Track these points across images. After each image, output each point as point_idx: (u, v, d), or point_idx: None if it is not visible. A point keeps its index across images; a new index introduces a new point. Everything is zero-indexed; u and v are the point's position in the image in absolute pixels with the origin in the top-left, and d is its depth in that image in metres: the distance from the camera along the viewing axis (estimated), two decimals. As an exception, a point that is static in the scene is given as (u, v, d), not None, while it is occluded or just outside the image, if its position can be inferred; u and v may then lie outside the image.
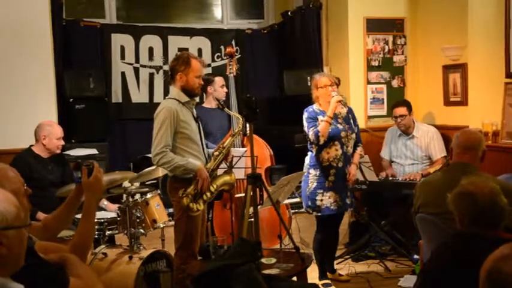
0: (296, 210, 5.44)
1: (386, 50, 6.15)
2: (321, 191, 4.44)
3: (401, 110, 5.43)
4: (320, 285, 4.45)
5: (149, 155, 3.89)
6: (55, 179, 4.53)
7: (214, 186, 3.82)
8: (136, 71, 6.83)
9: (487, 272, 1.58)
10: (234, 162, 4.20)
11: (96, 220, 3.98)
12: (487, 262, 1.60)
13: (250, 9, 7.82)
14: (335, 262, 4.91)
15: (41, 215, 3.99)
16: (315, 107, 4.51)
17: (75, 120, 5.90)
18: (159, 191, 4.56)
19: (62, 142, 4.64)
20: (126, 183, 4.36)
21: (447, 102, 5.76)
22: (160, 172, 4.40)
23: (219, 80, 5.26)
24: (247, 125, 3.96)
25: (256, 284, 2.83)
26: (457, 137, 3.31)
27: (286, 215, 5.06)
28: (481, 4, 5.24)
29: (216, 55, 7.10)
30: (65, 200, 2.70)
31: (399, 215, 5.05)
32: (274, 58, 7.41)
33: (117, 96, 6.75)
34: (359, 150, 4.61)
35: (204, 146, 4.00)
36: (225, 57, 6.10)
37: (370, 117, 6.13)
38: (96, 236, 4.14)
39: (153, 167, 4.17)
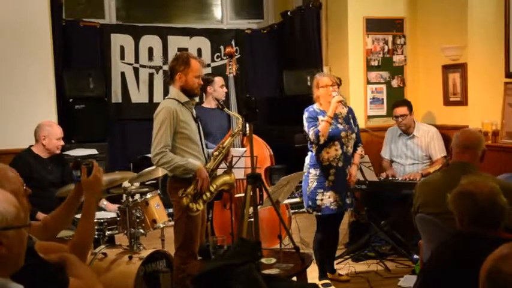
0: (296, 210, 5.44)
1: (386, 50, 6.15)
2: (321, 191, 4.45)
3: (402, 110, 5.43)
4: (320, 285, 4.45)
5: (149, 155, 3.89)
6: (55, 179, 4.53)
7: (214, 186, 3.82)
8: (136, 71, 6.83)
9: (487, 271, 1.58)
10: (233, 162, 4.20)
11: (96, 220, 3.98)
12: (487, 262, 1.60)
13: (250, 9, 7.82)
14: (335, 262, 4.91)
15: (40, 215, 3.99)
16: (316, 106, 4.51)
17: (75, 120, 5.90)
18: (158, 191, 4.56)
19: (62, 142, 4.65)
20: (126, 183, 4.36)
21: (447, 102, 5.77)
22: (160, 172, 4.40)
23: (218, 80, 5.26)
24: (247, 125, 3.96)
25: (256, 284, 2.83)
26: (457, 137, 3.31)
27: (286, 215, 5.07)
28: (481, 4, 5.24)
29: (216, 55, 7.10)
30: (64, 200, 2.70)
31: (399, 215, 5.06)
32: (273, 58, 7.40)
33: (116, 97, 6.75)
34: (359, 150, 4.61)
35: (204, 146, 4.00)
36: (225, 57, 6.09)
37: (369, 117, 6.13)
38: (96, 236, 4.14)
39: (153, 167, 4.17)
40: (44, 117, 4.82)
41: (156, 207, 4.30)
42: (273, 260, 3.85)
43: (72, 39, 6.38)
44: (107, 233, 4.21)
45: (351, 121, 4.60)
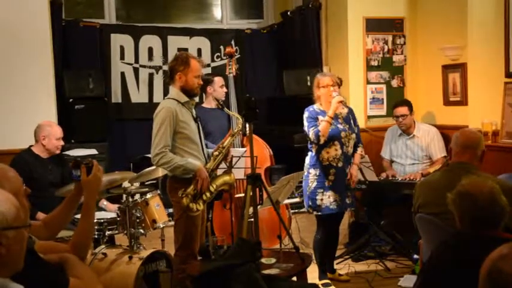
0: (296, 210, 5.44)
1: (385, 49, 6.15)
2: (321, 190, 4.45)
3: (402, 110, 5.43)
4: (320, 285, 4.45)
5: (149, 155, 3.89)
6: (55, 180, 4.53)
7: (214, 186, 3.82)
8: (135, 71, 6.83)
9: (487, 271, 1.58)
10: (233, 162, 4.20)
11: (96, 220, 3.99)
12: (487, 262, 1.60)
13: (250, 9, 7.81)
14: (335, 262, 4.91)
15: (40, 215, 3.99)
16: (316, 106, 4.52)
17: (75, 120, 5.89)
18: (158, 191, 4.56)
19: (62, 142, 4.65)
20: (125, 184, 4.36)
21: (447, 102, 5.77)
22: (160, 172, 4.40)
23: (218, 80, 5.26)
24: (247, 125, 3.96)
25: (256, 284, 2.83)
26: (457, 137, 3.31)
27: (286, 215, 5.07)
28: (481, 4, 5.24)
29: (216, 55, 7.10)
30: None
31: (399, 215, 5.05)
32: (273, 58, 7.40)
33: (116, 97, 6.74)
34: (359, 150, 4.61)
35: (204, 146, 4.00)
36: (225, 57, 6.09)
37: (369, 117, 6.13)
38: (96, 236, 4.14)
39: (153, 167, 4.17)
40: (44, 117, 4.82)
41: (156, 207, 4.30)
42: (273, 260, 3.84)
43: (72, 39, 6.37)
44: (107, 233, 4.20)
45: (351, 121, 4.60)
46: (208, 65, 6.93)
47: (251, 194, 3.70)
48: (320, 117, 4.44)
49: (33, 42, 5.24)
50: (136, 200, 4.23)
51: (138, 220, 4.12)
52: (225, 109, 4.24)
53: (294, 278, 3.68)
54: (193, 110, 3.99)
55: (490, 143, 5.00)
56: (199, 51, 6.94)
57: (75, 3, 6.98)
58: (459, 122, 5.37)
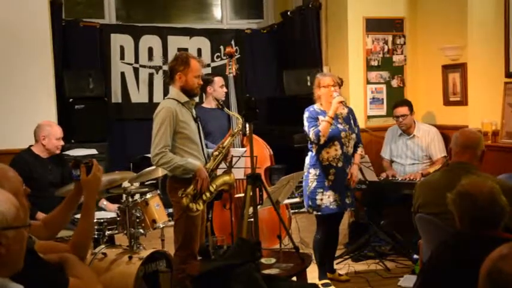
0: (296, 210, 5.44)
1: (385, 49, 6.15)
2: (321, 190, 4.45)
3: (402, 110, 5.43)
4: (320, 285, 4.45)
5: (149, 155, 3.88)
6: (54, 179, 4.53)
7: (214, 186, 3.82)
8: (135, 71, 6.83)
9: (487, 271, 1.58)
10: (233, 162, 4.20)
11: (95, 220, 3.99)
12: (487, 262, 1.59)
13: (250, 9, 7.81)
14: (335, 262, 4.91)
15: (40, 215, 3.99)
16: (316, 106, 4.52)
17: (75, 120, 5.89)
18: (158, 191, 4.56)
19: (62, 142, 4.65)
20: (125, 184, 4.36)
21: (447, 102, 5.76)
22: (160, 172, 4.39)
23: (218, 80, 5.26)
24: (247, 125, 3.96)
25: (256, 284, 2.83)
26: (456, 137, 3.31)
27: (286, 215, 5.07)
28: (481, 4, 5.24)
29: (216, 55, 7.10)
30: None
31: (399, 215, 5.05)
32: (273, 58, 7.40)
33: (116, 97, 6.74)
34: (359, 150, 4.62)
35: (204, 146, 4.00)
36: (225, 57, 6.10)
37: (369, 117, 6.13)
38: (96, 236, 4.14)
39: (153, 167, 4.17)
40: (44, 117, 4.82)
41: (156, 207, 4.30)
42: (273, 260, 3.84)
43: (72, 39, 6.37)
44: (107, 233, 4.20)
45: (351, 121, 4.60)
46: (208, 65, 6.93)
47: (251, 194, 3.70)
48: (320, 117, 4.44)
49: (33, 42, 5.24)
50: (136, 200, 4.23)
51: (138, 220, 4.12)
52: (225, 109, 4.24)
53: (294, 278, 3.68)
54: (193, 110, 3.99)
55: (490, 143, 5.00)
56: (199, 51, 6.94)
57: (75, 3, 6.98)
58: (459, 122, 5.37)
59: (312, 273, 4.42)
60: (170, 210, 4.34)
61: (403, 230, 5.11)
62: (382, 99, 6.17)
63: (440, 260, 2.41)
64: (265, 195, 3.86)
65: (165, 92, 6.43)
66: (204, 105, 5.29)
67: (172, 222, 4.14)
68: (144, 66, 6.85)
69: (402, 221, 4.91)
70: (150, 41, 6.85)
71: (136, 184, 4.48)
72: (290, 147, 6.04)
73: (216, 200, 4.55)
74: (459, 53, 5.49)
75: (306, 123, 4.47)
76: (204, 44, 7.06)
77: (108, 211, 4.60)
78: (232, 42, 7.07)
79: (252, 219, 3.77)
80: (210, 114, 5.07)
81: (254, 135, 4.13)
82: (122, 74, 6.76)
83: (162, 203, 4.42)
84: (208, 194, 3.79)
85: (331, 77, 4.56)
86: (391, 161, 5.60)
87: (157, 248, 4.16)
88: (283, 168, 5.88)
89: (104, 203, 4.72)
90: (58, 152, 4.64)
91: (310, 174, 4.50)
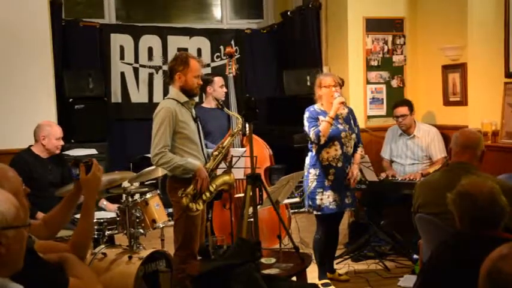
0: (296, 210, 5.44)
1: (385, 49, 6.15)
2: (321, 190, 4.46)
3: (402, 110, 5.42)
4: (319, 285, 4.45)
5: (148, 155, 3.88)
6: (54, 179, 4.53)
7: (214, 186, 3.82)
8: (135, 71, 6.82)
9: (487, 271, 1.58)
10: (233, 162, 4.20)
11: (95, 220, 3.99)
12: (487, 262, 1.59)
13: (250, 9, 7.81)
14: (334, 262, 4.91)
15: (40, 214, 3.99)
16: (317, 106, 4.52)
17: (75, 120, 5.89)
18: (158, 191, 4.56)
19: (62, 142, 4.65)
20: (125, 183, 4.36)
21: (447, 102, 5.76)
22: (160, 172, 4.39)
23: (218, 80, 5.26)
24: (247, 125, 3.96)
25: (256, 284, 2.83)
26: (456, 137, 3.32)
27: (286, 215, 5.07)
28: (481, 4, 5.24)
29: (216, 55, 7.10)
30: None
31: (399, 215, 5.05)
32: (273, 58, 7.40)
33: (116, 96, 6.74)
34: (359, 150, 4.62)
35: (203, 146, 4.00)
36: (225, 57, 6.10)
37: (369, 117, 6.13)
38: (96, 236, 4.14)
39: (153, 167, 4.17)
40: (44, 117, 4.82)
41: (156, 207, 4.30)
42: (273, 260, 3.84)
43: (71, 39, 6.37)
44: (107, 233, 4.20)
45: (351, 121, 4.61)
46: (208, 65, 6.93)
47: (251, 194, 3.70)
48: (321, 118, 4.44)
49: (33, 42, 5.24)
50: (136, 199, 4.23)
51: (137, 220, 4.12)
52: (225, 109, 4.24)
53: (294, 278, 3.68)
54: (193, 110, 3.99)
55: (490, 143, 5.00)
56: (199, 51, 6.94)
57: (75, 3, 6.98)
58: (459, 122, 5.37)
59: (312, 273, 4.42)
60: (170, 210, 4.34)
61: (403, 230, 5.11)
62: (382, 99, 6.17)
63: (440, 260, 2.41)
64: (265, 195, 3.86)
65: (165, 92, 6.43)
66: (203, 105, 5.29)
67: (172, 222, 4.14)
68: (144, 66, 6.84)
69: (402, 221, 4.91)
70: (150, 41, 6.85)
71: (136, 184, 4.48)
72: (290, 147, 6.04)
73: (216, 200, 4.55)
74: (459, 53, 5.49)
75: (306, 123, 4.47)
76: (204, 44, 7.06)
77: (108, 211, 4.60)
78: (232, 42, 7.06)
79: (252, 219, 3.77)
80: (209, 114, 5.07)
81: (254, 135, 4.13)
82: (122, 74, 6.76)
83: (162, 202, 4.42)
84: (208, 194, 3.79)
85: (332, 77, 4.56)
86: (391, 161, 5.60)
87: (157, 248, 4.16)
88: (283, 168, 5.88)
89: (103, 203, 4.72)
90: (58, 152, 4.64)
91: (310, 174, 4.50)
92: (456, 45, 5.48)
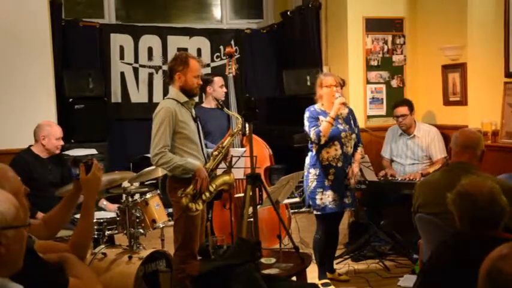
0: (295, 210, 5.44)
1: (385, 49, 6.15)
2: (321, 190, 4.46)
3: (402, 110, 5.42)
4: (319, 285, 4.45)
5: (148, 155, 3.88)
6: (54, 179, 4.53)
7: (214, 186, 3.81)
8: (135, 71, 6.82)
9: (487, 271, 1.58)
10: (233, 162, 4.20)
11: (95, 220, 3.99)
12: (487, 262, 1.59)
13: (250, 9, 7.81)
14: (334, 262, 4.91)
15: (40, 214, 3.99)
16: (317, 106, 4.53)
17: (75, 120, 5.89)
18: (158, 191, 4.56)
19: (61, 142, 4.65)
20: (125, 183, 4.36)
21: (446, 102, 5.76)
22: (160, 172, 4.39)
23: (218, 80, 5.26)
24: (247, 125, 3.96)
25: (255, 284, 2.83)
26: (456, 137, 3.31)
27: (286, 215, 5.06)
28: (481, 4, 5.24)
29: (216, 55, 7.09)
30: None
31: (399, 215, 5.05)
32: (273, 58, 7.40)
33: (116, 96, 6.74)
34: (359, 150, 4.62)
35: (203, 146, 4.00)
36: (225, 57, 6.10)
37: (369, 117, 6.13)
38: (96, 236, 4.14)
39: (153, 167, 4.17)
40: (44, 117, 4.82)
41: (156, 207, 4.30)
42: (273, 260, 3.84)
43: (71, 39, 6.37)
44: (107, 232, 4.21)
45: (351, 122, 4.61)
46: (208, 65, 6.93)
47: (251, 193, 3.70)
48: (321, 117, 4.44)
49: (33, 42, 5.24)
50: (136, 199, 4.23)
51: (137, 220, 4.12)
52: (225, 109, 4.24)
53: (294, 278, 3.68)
54: (193, 110, 3.99)
55: (490, 143, 5.00)
56: (199, 51, 6.94)
57: (75, 3, 6.97)
58: (459, 122, 5.37)
59: (312, 273, 4.42)
60: (170, 210, 4.34)
61: (403, 230, 5.11)
62: (382, 99, 6.17)
63: (440, 260, 2.41)
64: (265, 195, 3.86)
65: (165, 92, 6.43)
66: (203, 105, 5.29)
67: (172, 222, 4.14)
68: (143, 66, 6.84)
69: (402, 221, 4.91)
70: (149, 40, 6.85)
71: (136, 184, 4.48)
72: (290, 147, 6.04)
73: (215, 200, 4.55)
74: (459, 52, 5.49)
75: (306, 123, 4.47)
76: (204, 44, 7.06)
77: (108, 211, 4.60)
78: (232, 42, 7.06)
79: (252, 219, 3.77)
80: (209, 114, 5.07)
81: (254, 135, 4.13)
82: (122, 73, 6.76)
83: (162, 202, 4.42)
84: (207, 194, 3.78)
85: (333, 77, 4.57)
86: (391, 161, 5.60)
87: (157, 248, 4.16)
88: (283, 168, 5.88)
89: (103, 203, 4.72)
90: (58, 152, 4.64)
91: (310, 174, 4.51)
92: (456, 45, 5.48)
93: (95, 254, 3.90)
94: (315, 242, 4.63)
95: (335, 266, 4.87)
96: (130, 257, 3.82)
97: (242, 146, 5.04)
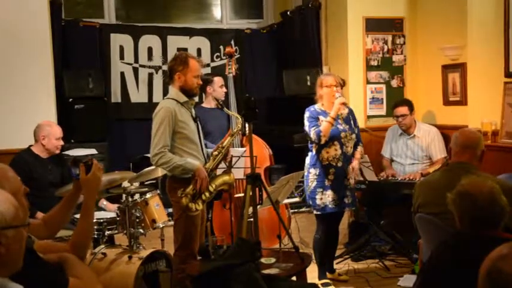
0: (295, 210, 5.44)
1: (385, 49, 6.15)
2: (321, 190, 4.46)
3: (402, 110, 5.43)
4: (319, 285, 4.45)
5: (148, 155, 3.88)
6: (54, 179, 4.53)
7: (213, 186, 3.81)
8: (135, 71, 6.82)
9: (487, 271, 1.57)
10: (233, 162, 4.20)
11: (95, 220, 3.99)
12: (487, 262, 1.59)
13: (250, 9, 7.81)
14: (334, 262, 4.91)
15: (40, 214, 3.98)
16: (317, 106, 4.53)
17: (75, 120, 5.89)
18: (158, 191, 4.56)
19: (61, 142, 4.65)
20: (125, 183, 4.36)
21: (446, 102, 5.76)
22: (160, 172, 4.39)
23: (218, 80, 5.26)
24: (247, 125, 3.96)
25: (255, 284, 2.83)
26: (456, 137, 3.31)
27: (286, 214, 5.07)
28: (480, 4, 5.24)
29: (216, 55, 7.10)
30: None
31: (399, 215, 5.05)
32: (273, 58, 7.40)
33: (116, 96, 6.74)
34: (359, 149, 4.63)
35: (203, 146, 4.00)
36: (224, 57, 6.09)
37: (369, 117, 6.13)
38: (96, 236, 4.14)
39: (153, 167, 4.17)
40: (44, 117, 4.82)
41: (156, 207, 4.30)
42: (273, 260, 3.84)
43: (71, 39, 6.37)
44: (107, 232, 4.20)
45: (351, 122, 4.61)
46: (208, 65, 6.93)
47: (251, 193, 3.70)
48: (321, 117, 4.44)
49: (33, 42, 5.24)
50: (136, 199, 4.23)
51: (137, 220, 4.12)
52: (225, 109, 4.24)
53: (294, 278, 3.68)
54: (193, 110, 3.99)
55: (490, 142, 5.00)
56: (199, 51, 6.94)
57: (75, 3, 6.97)
58: (459, 122, 5.37)
59: (312, 273, 4.42)
60: (170, 210, 4.34)
61: (403, 230, 5.11)
62: (382, 99, 6.17)
63: (440, 260, 2.41)
64: (264, 195, 3.86)
65: (165, 92, 6.43)
66: (203, 105, 5.29)
67: (172, 222, 4.14)
68: (143, 66, 6.84)
69: (402, 221, 4.91)
70: (149, 40, 6.85)
71: (136, 184, 4.48)
72: (290, 147, 6.04)
73: (215, 200, 4.55)
74: (459, 52, 5.49)
75: (306, 123, 4.47)
76: (204, 44, 7.06)
77: (108, 211, 4.60)
78: (232, 42, 7.06)
79: (252, 219, 3.77)
80: (209, 114, 5.07)
81: (254, 135, 4.13)
82: (122, 73, 6.76)
83: (162, 202, 4.42)
84: (207, 194, 3.78)
85: (333, 77, 4.57)
86: (391, 160, 5.60)
87: (157, 248, 4.16)
88: (282, 168, 5.88)
89: (103, 203, 4.72)
90: (58, 152, 4.64)
91: (311, 174, 4.51)
92: (456, 45, 5.48)
93: (94, 254, 3.89)
94: (315, 242, 4.63)
95: (335, 266, 4.87)
96: (130, 257, 3.82)
97: (242, 146, 5.04)
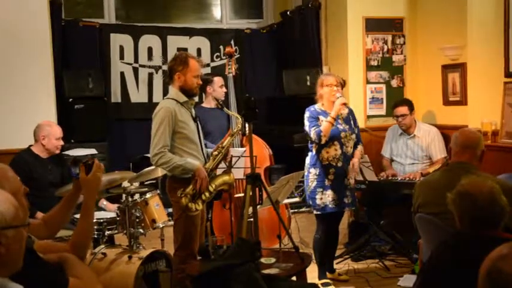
0: (295, 210, 5.44)
1: (385, 49, 6.15)
2: (321, 190, 4.46)
3: (402, 110, 5.43)
4: (319, 285, 4.45)
5: (148, 155, 3.88)
6: (54, 179, 4.53)
7: (213, 186, 3.81)
8: (135, 71, 6.82)
9: (487, 271, 1.57)
10: (233, 162, 4.20)
11: (95, 220, 3.99)
12: (487, 262, 1.59)
13: (250, 9, 7.81)
14: (334, 262, 4.91)
15: (39, 214, 3.98)
16: (317, 106, 4.53)
17: (75, 120, 5.89)
18: (158, 191, 4.56)
19: (61, 142, 4.65)
20: (125, 183, 4.36)
21: (446, 102, 5.76)
22: (160, 172, 4.39)
23: (218, 80, 5.26)
24: (246, 125, 3.96)
25: (255, 284, 2.83)
26: (456, 137, 3.31)
27: (286, 214, 5.07)
28: (480, 3, 5.24)
29: (215, 55, 7.09)
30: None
31: (399, 215, 5.05)
32: (273, 58, 7.40)
33: (116, 96, 6.74)
34: (360, 148, 4.63)
35: (203, 146, 4.00)
36: (224, 57, 6.09)
37: (369, 116, 6.13)
38: (96, 236, 4.14)
39: (152, 167, 4.17)
40: (44, 117, 4.82)
41: (156, 207, 4.30)
42: (273, 260, 3.84)
43: (71, 39, 6.37)
44: (107, 232, 4.20)
45: (351, 122, 4.61)
46: (208, 65, 6.93)
47: (251, 193, 3.70)
48: (321, 117, 4.44)
49: (33, 42, 5.24)
50: (136, 199, 4.23)
51: (137, 220, 4.12)
52: (225, 109, 4.24)
53: (294, 278, 3.68)
54: (193, 110, 3.99)
55: (490, 142, 5.00)
56: (198, 51, 6.94)
57: (74, 3, 6.97)
58: (459, 122, 5.37)
59: (312, 273, 4.42)
60: (170, 210, 4.33)
61: (403, 230, 5.11)
62: (382, 99, 6.17)
63: (440, 260, 2.41)
64: (264, 195, 3.86)
65: (165, 92, 6.43)
66: (203, 105, 5.29)
67: (172, 222, 4.14)
68: (143, 66, 6.84)
69: (402, 221, 4.91)
70: (149, 40, 6.85)
71: (136, 184, 4.48)
72: (290, 147, 6.04)
73: (215, 200, 4.55)
74: (459, 52, 5.49)
75: (306, 123, 4.47)
76: (204, 43, 7.06)
77: (108, 211, 4.60)
78: (232, 42, 7.06)
79: (252, 219, 3.77)
80: (209, 114, 5.07)
81: (254, 135, 4.13)
82: (122, 73, 6.76)
83: (162, 202, 4.42)
84: (207, 194, 3.78)
85: (334, 77, 4.58)
86: (391, 160, 5.60)
87: (157, 248, 4.16)
88: (282, 168, 5.88)
89: (103, 202, 4.72)
90: (58, 152, 4.64)
91: (311, 174, 4.51)
92: (456, 45, 5.48)
93: (94, 254, 3.90)
94: (315, 241, 4.63)
95: (335, 266, 4.87)
96: (130, 257, 3.82)
97: (242, 146, 5.04)
